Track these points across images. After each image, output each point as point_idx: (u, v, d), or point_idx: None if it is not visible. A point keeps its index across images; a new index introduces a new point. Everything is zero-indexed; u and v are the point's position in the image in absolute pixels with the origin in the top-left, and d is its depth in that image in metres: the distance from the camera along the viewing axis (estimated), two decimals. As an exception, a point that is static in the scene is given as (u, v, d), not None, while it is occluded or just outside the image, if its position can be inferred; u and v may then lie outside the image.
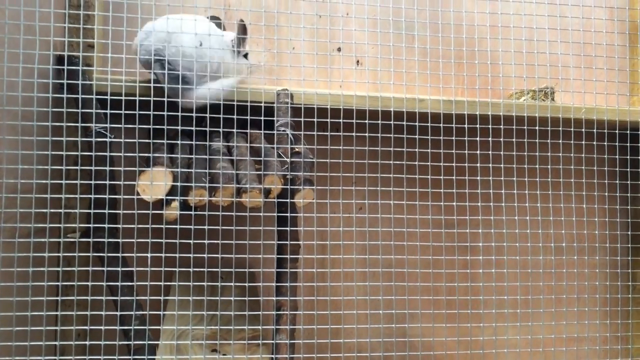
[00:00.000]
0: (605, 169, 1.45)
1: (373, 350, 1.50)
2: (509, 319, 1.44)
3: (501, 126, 1.38)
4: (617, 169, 1.56)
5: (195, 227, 1.14)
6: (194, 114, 1.19)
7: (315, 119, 1.27)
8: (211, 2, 1.42)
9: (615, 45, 1.56)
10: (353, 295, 1.41)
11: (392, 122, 1.31)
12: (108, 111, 1.14)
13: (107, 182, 1.13)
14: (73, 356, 1.16)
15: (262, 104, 1.27)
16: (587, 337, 1.47)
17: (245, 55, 1.36)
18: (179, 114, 1.17)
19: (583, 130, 1.44)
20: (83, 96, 1.15)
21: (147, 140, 1.21)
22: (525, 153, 1.39)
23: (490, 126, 1.36)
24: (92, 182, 1.14)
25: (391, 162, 1.33)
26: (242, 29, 1.30)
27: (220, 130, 1.21)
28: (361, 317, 1.42)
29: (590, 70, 1.44)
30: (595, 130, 1.42)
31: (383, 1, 1.40)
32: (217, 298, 1.19)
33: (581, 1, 1.45)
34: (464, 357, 1.47)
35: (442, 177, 1.34)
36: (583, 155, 1.44)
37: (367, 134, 1.30)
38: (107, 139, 1.15)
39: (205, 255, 1.13)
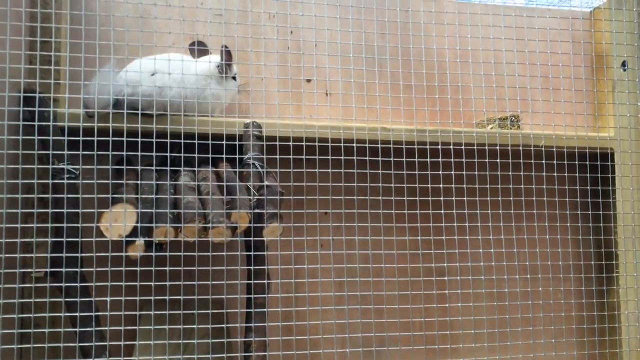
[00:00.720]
0: (566, 198, 1.47)
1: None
2: (481, 350, 1.43)
3: (463, 159, 1.39)
4: (578, 191, 1.59)
5: (157, 268, 1.11)
6: (154, 153, 1.17)
7: (277, 155, 1.27)
8: (178, 39, 1.42)
9: (573, 77, 1.60)
10: (322, 334, 1.39)
11: (355, 158, 1.31)
12: (65, 152, 1.12)
13: (65, 224, 1.10)
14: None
15: (224, 138, 1.25)
16: (555, 355, 1.48)
17: (234, 77, 1.39)
18: (139, 153, 1.15)
19: (543, 161, 1.46)
20: (40, 137, 1.13)
21: (106, 181, 1.19)
22: (488, 186, 1.40)
23: (452, 159, 1.37)
24: (49, 224, 1.12)
25: (355, 197, 1.33)
26: (227, 55, 1.34)
27: (179, 167, 1.20)
28: (330, 355, 1.41)
29: (555, 99, 1.47)
30: (555, 161, 1.44)
31: (353, 34, 1.41)
32: (180, 341, 1.16)
33: (546, 36, 1.49)
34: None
35: (406, 211, 1.35)
36: (544, 186, 1.46)
37: (330, 170, 1.30)
38: (65, 181, 1.12)
39: (166, 297, 1.11)
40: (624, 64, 1.57)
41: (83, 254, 1.13)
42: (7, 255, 1.07)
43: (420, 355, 1.45)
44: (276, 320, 1.27)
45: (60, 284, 1.12)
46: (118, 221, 1.10)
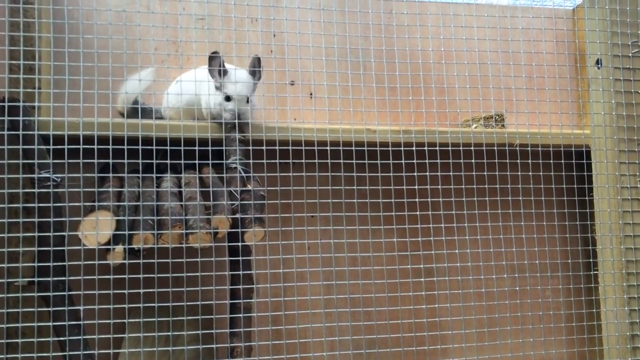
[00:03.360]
0: (553, 197, 1.48)
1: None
2: (471, 350, 1.43)
3: (450, 160, 1.39)
4: (562, 186, 1.59)
5: (130, 276, 1.11)
6: (137, 160, 1.17)
7: (264, 160, 1.27)
8: (160, 45, 1.42)
9: (557, 77, 1.60)
10: (312, 337, 1.39)
11: (341, 161, 1.31)
12: (51, 161, 1.12)
13: (52, 233, 1.11)
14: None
15: (209, 143, 1.25)
16: (545, 353, 1.48)
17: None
18: (125, 161, 1.16)
19: (530, 160, 1.46)
20: (25, 146, 1.13)
21: (86, 189, 1.19)
22: (475, 186, 1.40)
23: (439, 160, 1.37)
24: (36, 234, 1.12)
25: (342, 200, 1.34)
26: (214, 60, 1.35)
27: (163, 173, 1.20)
28: (320, 358, 1.41)
29: (539, 95, 1.46)
30: (541, 160, 1.45)
31: (337, 38, 1.41)
32: (169, 348, 1.16)
33: (530, 35, 1.49)
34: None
35: (393, 213, 1.35)
36: (531, 185, 1.46)
37: (317, 173, 1.30)
38: (51, 189, 1.13)
39: (140, 305, 1.11)
40: (598, 62, 1.56)
41: (58, 263, 1.13)
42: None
43: (410, 356, 1.45)
44: (265, 324, 1.27)
45: (43, 294, 1.12)
46: (96, 229, 1.10)
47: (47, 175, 1.17)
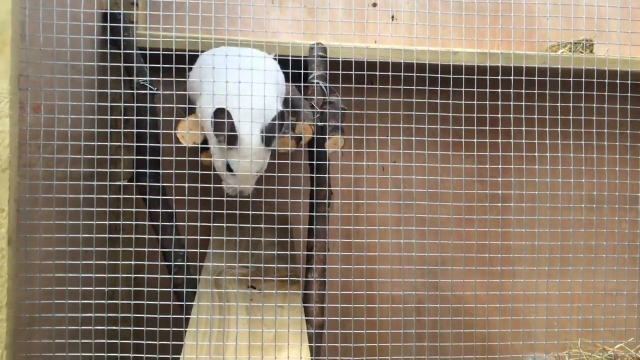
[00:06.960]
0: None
1: (404, 302, 1.55)
2: (540, 273, 1.45)
3: (535, 78, 1.37)
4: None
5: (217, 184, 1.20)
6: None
7: (353, 72, 1.30)
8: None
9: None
10: (386, 242, 1.45)
11: (427, 75, 1.32)
12: (147, 64, 1.24)
13: (148, 130, 1.23)
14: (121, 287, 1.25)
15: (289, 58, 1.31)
16: (615, 294, 1.47)
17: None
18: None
19: (617, 92, 1.41)
20: (126, 51, 1.26)
21: (184, 92, 1.29)
22: (558, 104, 1.37)
23: (523, 78, 1.35)
24: (134, 130, 1.25)
25: (425, 113, 1.35)
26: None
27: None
28: (394, 266, 1.47)
29: (630, 23, 1.40)
30: (629, 93, 1.40)
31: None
32: (249, 238, 1.26)
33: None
34: (494, 310, 1.50)
35: (475, 128, 1.35)
36: (617, 117, 1.41)
37: (401, 87, 1.32)
38: (147, 91, 1.24)
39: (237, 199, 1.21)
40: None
41: (154, 157, 1.25)
42: (98, 157, 1.19)
43: (477, 275, 1.49)
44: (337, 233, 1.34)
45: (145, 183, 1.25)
46: (193, 130, 1.21)
47: (144, 84, 1.29)
